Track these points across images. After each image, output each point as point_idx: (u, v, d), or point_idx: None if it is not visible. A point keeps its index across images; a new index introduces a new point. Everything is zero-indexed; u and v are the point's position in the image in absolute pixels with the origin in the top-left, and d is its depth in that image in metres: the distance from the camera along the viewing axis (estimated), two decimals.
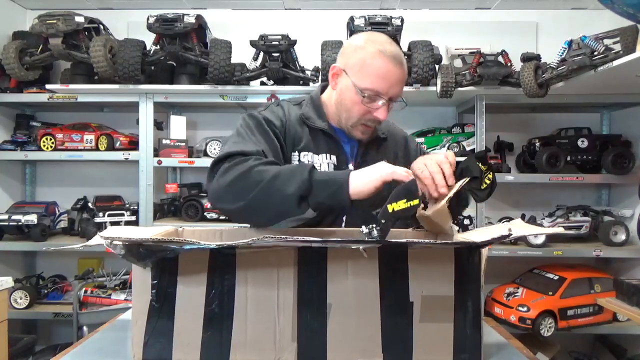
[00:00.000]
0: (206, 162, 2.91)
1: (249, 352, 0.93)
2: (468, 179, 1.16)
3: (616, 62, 2.06)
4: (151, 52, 2.78)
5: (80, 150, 2.98)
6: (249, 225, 1.24)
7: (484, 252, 0.97)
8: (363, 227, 1.05)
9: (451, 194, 1.13)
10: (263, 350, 0.93)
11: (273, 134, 1.32)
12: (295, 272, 0.94)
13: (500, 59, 2.72)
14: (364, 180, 1.10)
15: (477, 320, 0.94)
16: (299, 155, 1.36)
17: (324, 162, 1.36)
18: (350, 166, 1.39)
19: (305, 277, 0.93)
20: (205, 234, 1.25)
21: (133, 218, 2.98)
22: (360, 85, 1.29)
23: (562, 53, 2.35)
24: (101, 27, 2.89)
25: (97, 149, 2.98)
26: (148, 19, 2.68)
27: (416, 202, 1.01)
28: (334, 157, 1.38)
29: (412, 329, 0.93)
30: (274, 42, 2.73)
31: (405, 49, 2.78)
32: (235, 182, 1.13)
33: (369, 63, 1.28)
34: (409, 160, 1.47)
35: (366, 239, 1.04)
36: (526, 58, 2.72)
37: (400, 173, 1.09)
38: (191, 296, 0.94)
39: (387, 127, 1.50)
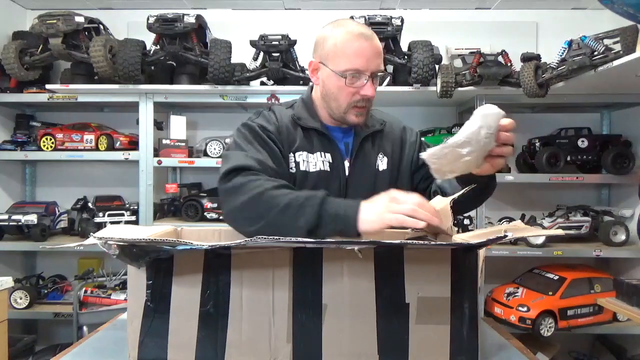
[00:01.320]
0: (206, 162, 2.91)
1: (244, 353, 0.93)
2: (474, 185, 1.17)
3: (616, 62, 2.06)
4: (151, 52, 2.78)
5: (80, 150, 2.98)
6: None
7: (481, 252, 0.97)
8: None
9: (456, 196, 1.14)
10: (258, 350, 0.93)
11: (270, 139, 1.33)
12: (290, 272, 0.93)
13: (500, 59, 2.71)
14: (373, 218, 1.07)
15: (474, 322, 0.94)
16: (294, 156, 1.36)
17: (319, 160, 1.37)
18: (346, 163, 1.40)
19: (301, 278, 0.93)
20: (204, 233, 1.26)
21: (133, 218, 2.99)
22: (340, 69, 1.31)
23: (562, 53, 2.34)
24: (101, 27, 2.89)
25: (97, 149, 2.98)
26: (148, 19, 2.68)
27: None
28: (328, 155, 1.39)
29: (408, 331, 0.92)
30: (274, 42, 2.73)
31: (405, 49, 2.78)
32: (247, 206, 1.16)
33: (341, 46, 1.31)
34: (405, 154, 1.48)
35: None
36: (526, 58, 2.71)
37: (411, 222, 1.03)
38: (186, 296, 0.93)
39: (383, 118, 1.50)
